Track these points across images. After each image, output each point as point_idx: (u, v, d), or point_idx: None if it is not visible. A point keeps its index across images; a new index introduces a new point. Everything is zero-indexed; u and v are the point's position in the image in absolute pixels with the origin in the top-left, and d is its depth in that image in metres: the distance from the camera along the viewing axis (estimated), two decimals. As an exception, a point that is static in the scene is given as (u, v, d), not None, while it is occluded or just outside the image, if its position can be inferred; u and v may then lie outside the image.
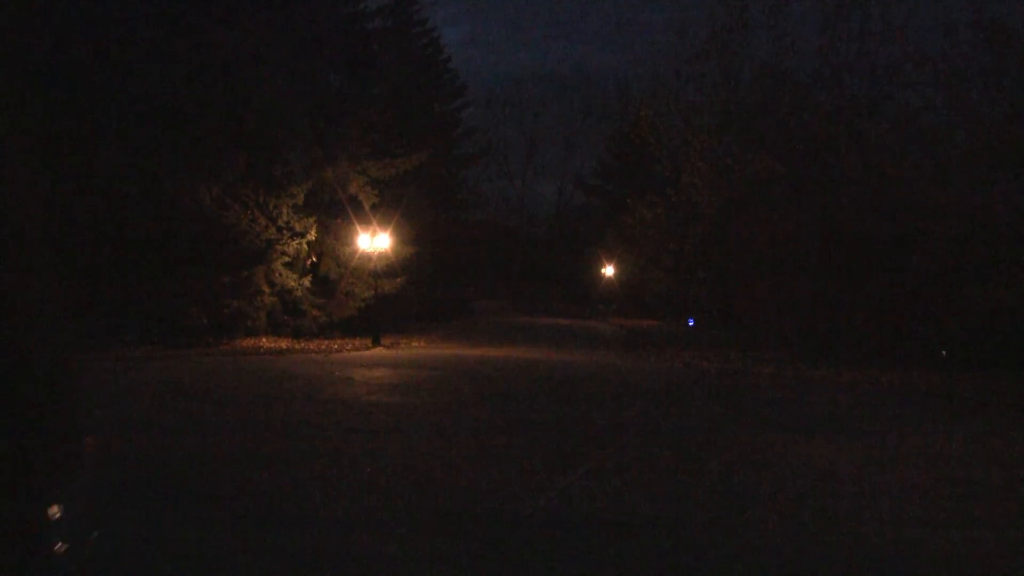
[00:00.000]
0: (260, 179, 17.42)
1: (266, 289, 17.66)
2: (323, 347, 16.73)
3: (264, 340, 17.31)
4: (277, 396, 9.20)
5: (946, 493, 5.42)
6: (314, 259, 19.28)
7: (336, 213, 19.54)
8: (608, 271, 40.63)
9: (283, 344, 17.10)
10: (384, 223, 19.41)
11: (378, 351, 17.09)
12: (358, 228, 19.04)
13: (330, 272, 19.82)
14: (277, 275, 17.95)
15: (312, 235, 18.51)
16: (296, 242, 18.17)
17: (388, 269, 20.66)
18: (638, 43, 75.28)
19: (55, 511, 1.29)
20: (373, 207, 19.60)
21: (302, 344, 17.28)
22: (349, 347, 17.13)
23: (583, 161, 56.20)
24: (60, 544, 1.30)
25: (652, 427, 8.14)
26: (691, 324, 30.03)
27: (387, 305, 20.83)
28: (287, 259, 18.17)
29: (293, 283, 18.26)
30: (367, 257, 19.27)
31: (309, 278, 18.81)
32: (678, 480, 5.57)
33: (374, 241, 18.84)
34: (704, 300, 26.18)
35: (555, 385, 11.77)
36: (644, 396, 11.15)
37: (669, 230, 26.01)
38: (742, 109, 19.91)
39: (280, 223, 17.86)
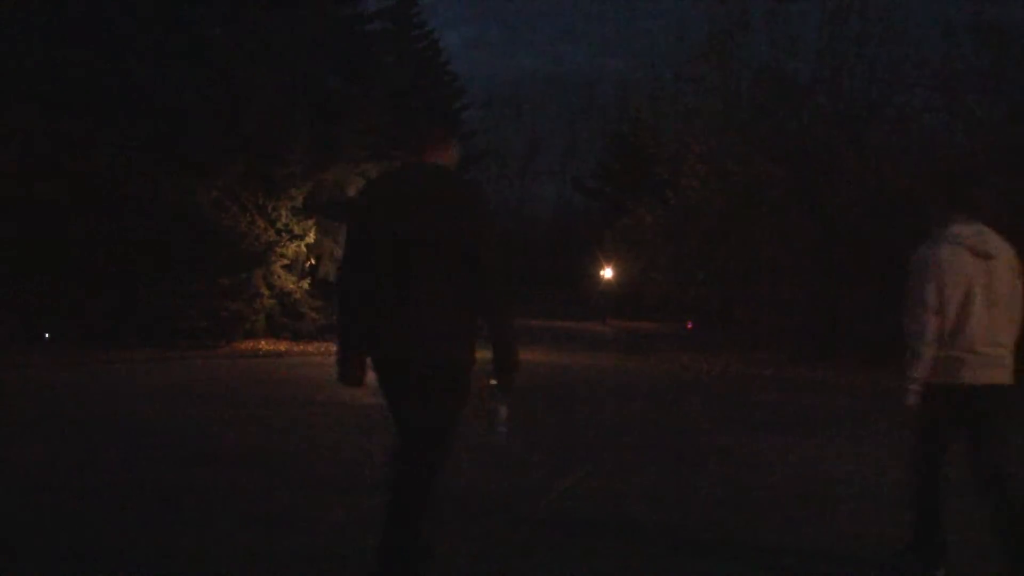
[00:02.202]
0: (259, 181, 17.39)
1: (265, 291, 17.63)
2: (322, 349, 16.71)
3: (263, 343, 17.29)
4: (276, 398, 9.20)
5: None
6: (313, 261, 19.24)
7: (335, 215, 19.52)
8: (607, 273, 40.59)
9: (282, 347, 17.09)
10: (383, 225, 19.41)
11: (377, 353, 17.05)
12: (357, 230, 19.03)
13: (329, 274, 19.79)
14: (276, 277, 17.91)
15: (311, 237, 18.47)
16: (295, 244, 18.13)
17: (388, 271, 20.65)
18: (638, 45, 75.37)
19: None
20: (373, 209, 19.58)
21: (301, 347, 17.27)
22: (348, 349, 17.10)
23: (582, 163, 56.24)
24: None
25: (652, 428, 8.14)
26: (690, 326, 30.02)
27: (386, 307, 20.79)
28: (286, 261, 18.13)
29: (292, 285, 18.23)
30: (366, 259, 19.25)
31: (308, 280, 18.78)
32: (678, 481, 5.57)
33: (373, 243, 18.81)
34: (703, 302, 26.15)
35: (554, 387, 11.76)
36: (644, 398, 11.15)
37: (668, 232, 25.98)
38: (741, 111, 19.91)
39: (279, 225, 17.82)
